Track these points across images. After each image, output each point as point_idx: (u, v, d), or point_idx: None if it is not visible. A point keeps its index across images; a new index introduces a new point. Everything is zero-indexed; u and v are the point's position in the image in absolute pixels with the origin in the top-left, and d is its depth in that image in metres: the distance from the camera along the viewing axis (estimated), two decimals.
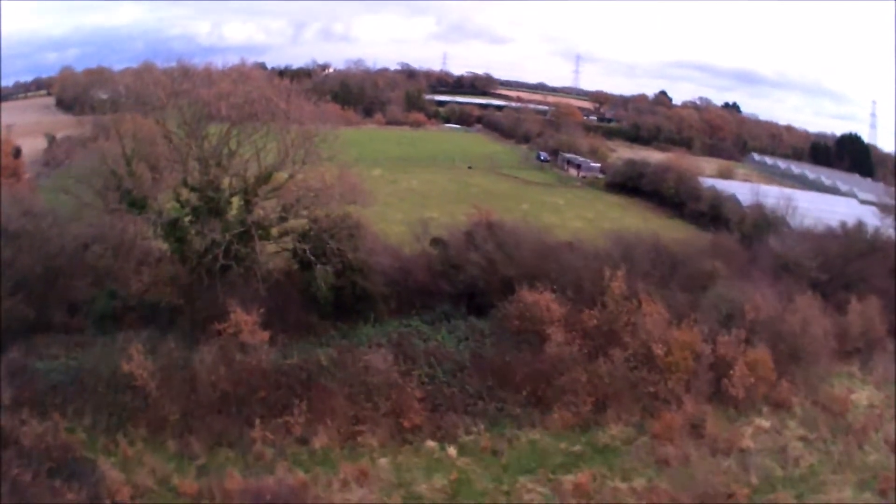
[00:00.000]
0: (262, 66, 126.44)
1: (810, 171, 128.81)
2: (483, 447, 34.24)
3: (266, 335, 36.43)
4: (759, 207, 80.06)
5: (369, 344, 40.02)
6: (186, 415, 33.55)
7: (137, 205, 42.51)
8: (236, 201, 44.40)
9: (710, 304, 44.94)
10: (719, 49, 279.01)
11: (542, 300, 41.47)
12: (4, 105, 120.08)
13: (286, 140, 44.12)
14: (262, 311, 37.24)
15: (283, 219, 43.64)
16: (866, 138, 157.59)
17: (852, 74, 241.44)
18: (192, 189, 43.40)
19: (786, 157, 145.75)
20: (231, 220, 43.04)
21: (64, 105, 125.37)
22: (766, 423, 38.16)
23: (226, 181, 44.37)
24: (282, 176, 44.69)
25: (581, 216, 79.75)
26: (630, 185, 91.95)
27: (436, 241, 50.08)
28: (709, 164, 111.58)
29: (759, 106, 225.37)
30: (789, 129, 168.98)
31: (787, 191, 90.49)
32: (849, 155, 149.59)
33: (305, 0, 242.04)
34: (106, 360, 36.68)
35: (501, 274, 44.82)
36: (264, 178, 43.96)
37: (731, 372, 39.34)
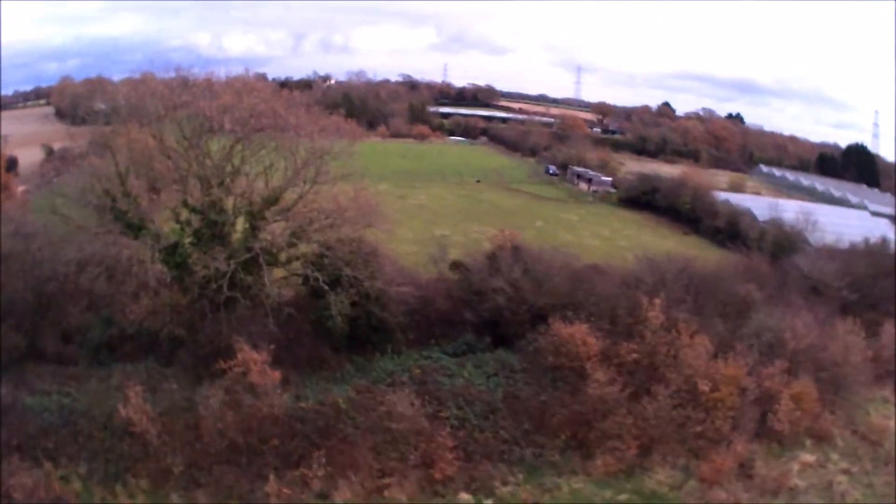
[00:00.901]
0: (264, 77, 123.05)
1: (819, 183, 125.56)
2: (523, 499, 30.54)
3: (277, 375, 32.52)
4: (778, 223, 77.06)
5: (390, 381, 36.28)
6: (191, 465, 29.67)
7: (133, 227, 38.65)
8: (241, 223, 40.66)
9: (750, 332, 41.57)
10: (719, 59, 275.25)
11: (578, 333, 37.66)
12: (4, 114, 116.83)
13: (296, 157, 40.37)
14: (272, 347, 33.44)
15: (292, 244, 39.71)
16: (868, 148, 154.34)
17: (852, 83, 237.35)
18: (193, 210, 39.65)
19: (792, 168, 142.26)
20: (235, 244, 39.26)
21: (62, 115, 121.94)
22: (810, 458, 35.77)
23: (230, 202, 40.59)
24: (291, 196, 40.88)
25: (597, 234, 76.17)
26: (644, 200, 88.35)
27: (456, 266, 46.28)
28: (718, 177, 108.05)
29: (759, 115, 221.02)
30: (793, 139, 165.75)
31: (807, 205, 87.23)
32: (854, 166, 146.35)
33: (305, 11, 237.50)
34: (101, 400, 33.15)
35: (530, 303, 41.07)
36: (272, 198, 40.08)
37: (776, 406, 36.81)
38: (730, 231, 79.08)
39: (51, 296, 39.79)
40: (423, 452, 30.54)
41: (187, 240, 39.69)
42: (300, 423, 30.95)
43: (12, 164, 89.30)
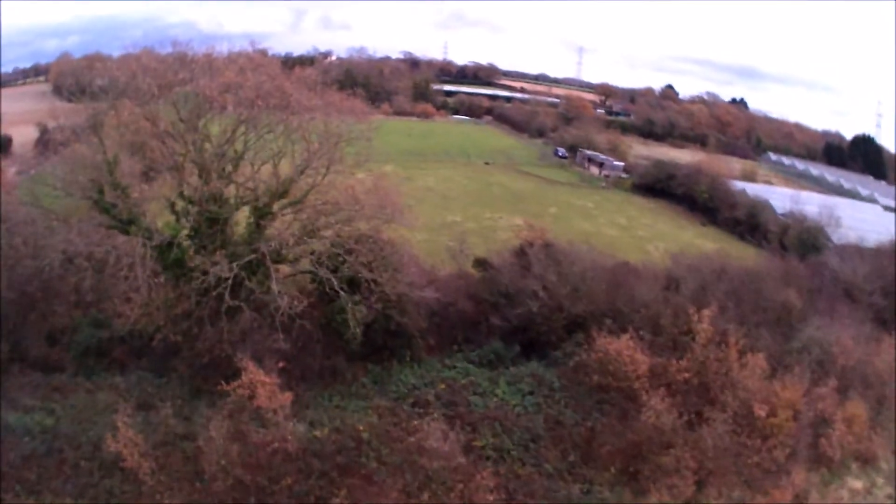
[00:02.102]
0: (264, 53, 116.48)
1: (828, 174, 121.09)
2: None
3: (288, 398, 27.66)
4: (798, 217, 72.63)
5: (413, 400, 31.58)
6: None
7: (122, 222, 33.57)
8: (244, 217, 35.63)
9: (799, 347, 37.41)
10: (719, 43, 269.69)
11: (625, 348, 32.93)
12: (4, 91, 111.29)
13: (308, 141, 35.19)
14: (281, 365, 28.72)
15: (302, 241, 34.70)
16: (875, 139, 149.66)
17: (852, 70, 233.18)
18: (190, 202, 34.57)
19: (800, 156, 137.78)
20: (238, 241, 34.26)
21: (60, 92, 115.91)
22: (858, 484, 32.54)
23: (231, 191, 35.57)
24: (301, 186, 35.76)
25: (614, 222, 71.45)
26: (658, 187, 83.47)
27: (481, 263, 41.35)
28: (732, 164, 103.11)
29: (758, 100, 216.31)
30: (798, 126, 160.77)
31: (828, 199, 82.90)
32: (861, 156, 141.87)
33: None
34: (88, 420, 28.81)
35: (566, 309, 36.36)
36: (281, 190, 34.98)
37: (830, 431, 32.98)
38: (749, 223, 74.80)
39: (35, 293, 35.05)
40: (461, 494, 25.61)
41: (184, 232, 34.66)
42: (317, 459, 25.90)
43: (5, 143, 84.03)
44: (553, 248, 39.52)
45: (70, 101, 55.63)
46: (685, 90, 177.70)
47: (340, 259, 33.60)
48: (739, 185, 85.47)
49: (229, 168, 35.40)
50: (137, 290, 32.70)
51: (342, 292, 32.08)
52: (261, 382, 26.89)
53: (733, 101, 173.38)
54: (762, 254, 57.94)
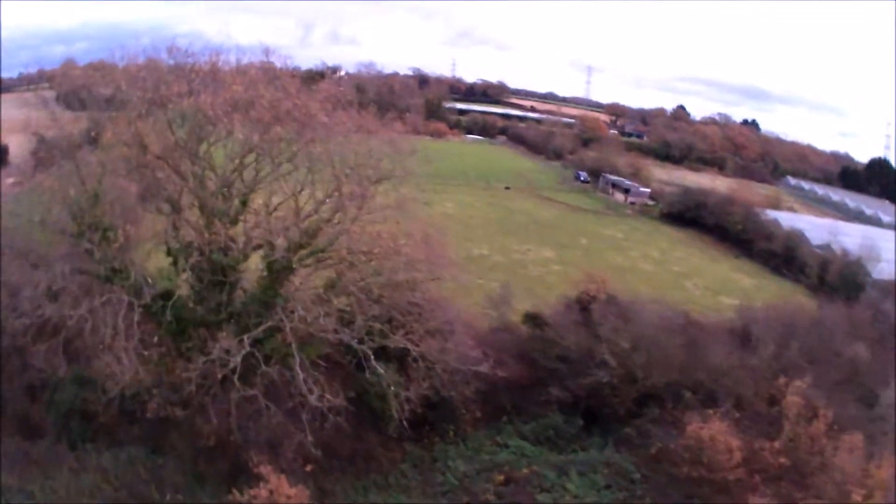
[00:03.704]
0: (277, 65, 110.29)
1: (849, 199, 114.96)
2: None
3: None
4: (831, 250, 66.65)
5: (468, 498, 25.12)
6: None
7: (105, 270, 27.09)
8: (254, 265, 29.10)
9: (881, 414, 32.10)
10: (726, 64, 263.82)
11: (718, 433, 26.65)
12: (5, 97, 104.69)
13: (340, 176, 28.58)
14: (309, 469, 22.34)
15: (327, 299, 28.04)
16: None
17: (859, 91, 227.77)
18: (189, 246, 28.16)
19: (816, 180, 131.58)
20: (248, 298, 27.65)
21: (63, 100, 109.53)
22: None
23: (240, 229, 29.12)
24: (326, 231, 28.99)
25: (647, 255, 65.02)
26: (688, 216, 77.12)
27: (532, 319, 34.82)
28: (756, 190, 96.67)
29: (766, 121, 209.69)
30: (811, 148, 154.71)
31: (869, 230, 76.73)
32: (877, 180, 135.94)
33: (314, 0, 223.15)
34: None
35: (639, 379, 30.06)
36: (308, 236, 28.32)
37: None
38: (785, 256, 68.60)
39: (14, 335, 28.60)
40: None
41: (182, 276, 28.14)
42: None
43: (3, 152, 78.05)
44: (616, 304, 33.09)
45: (70, 109, 48.98)
46: (693, 111, 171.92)
47: (376, 323, 27.13)
48: (771, 213, 79.36)
49: (237, 205, 29.02)
50: (128, 343, 26.24)
51: (380, 368, 25.55)
52: (286, 497, 20.34)
53: (745, 122, 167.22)
54: (799, 289, 54.66)
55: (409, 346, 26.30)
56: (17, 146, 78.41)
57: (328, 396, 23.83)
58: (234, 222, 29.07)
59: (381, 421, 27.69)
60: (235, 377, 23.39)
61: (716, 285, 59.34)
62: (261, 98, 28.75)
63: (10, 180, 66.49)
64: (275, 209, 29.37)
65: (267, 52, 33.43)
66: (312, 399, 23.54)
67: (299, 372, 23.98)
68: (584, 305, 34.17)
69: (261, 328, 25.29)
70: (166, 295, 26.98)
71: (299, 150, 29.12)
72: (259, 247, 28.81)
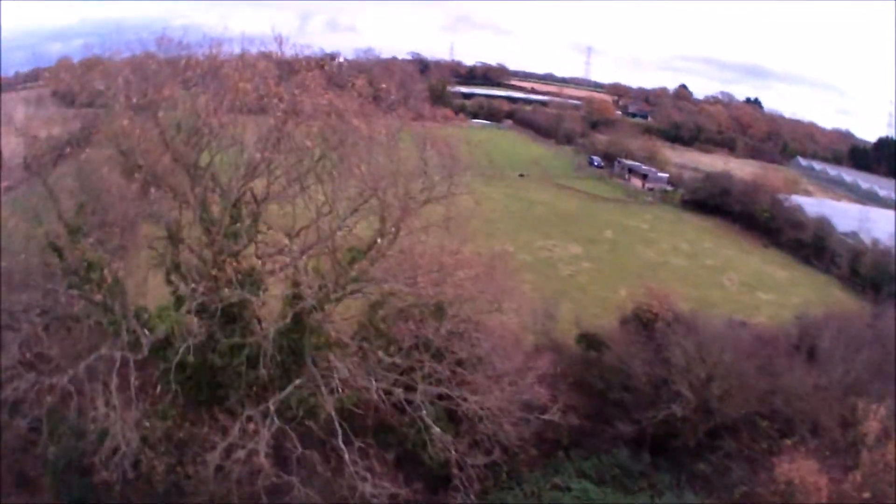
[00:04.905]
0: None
1: (861, 180, 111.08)
2: None
3: None
4: (860, 239, 63.45)
5: None
6: None
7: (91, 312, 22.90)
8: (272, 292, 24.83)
9: None
10: (725, 42, 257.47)
11: (807, 472, 23.10)
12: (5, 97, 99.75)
13: (381, 194, 24.51)
14: None
15: (364, 338, 24.00)
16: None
17: (859, 68, 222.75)
18: (194, 277, 24.01)
19: (825, 160, 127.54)
20: (267, 339, 23.13)
21: (58, 98, 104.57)
22: None
23: (251, 251, 24.93)
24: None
25: (676, 248, 61.32)
26: (712, 203, 73.17)
27: (588, 340, 30.98)
28: (776, 173, 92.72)
29: (767, 99, 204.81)
30: (815, 127, 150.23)
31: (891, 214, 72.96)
32: (885, 159, 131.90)
33: None
34: None
35: (714, 410, 26.36)
36: (343, 280, 23.98)
37: None
38: (815, 245, 65.02)
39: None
40: None
41: (186, 316, 23.62)
42: None
43: None
44: (685, 323, 29.19)
45: (65, 106, 45.19)
46: (694, 89, 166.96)
47: (422, 369, 23.13)
48: (797, 200, 75.65)
49: (248, 225, 24.83)
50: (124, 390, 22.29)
51: (442, 432, 21.64)
52: None
53: (748, 100, 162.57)
54: (832, 281, 54.89)
55: (477, 408, 22.29)
56: (9, 146, 74.16)
57: (385, 484, 19.73)
58: (247, 245, 25.05)
59: (423, 466, 24.04)
60: (262, 457, 19.24)
61: (751, 280, 55.87)
62: (274, 97, 24.54)
63: (5, 184, 62.14)
64: (297, 233, 25.32)
65: (279, 40, 27.21)
66: (365, 489, 19.48)
67: (344, 450, 19.84)
68: (644, 323, 30.28)
69: (286, 390, 21.04)
70: (168, 341, 22.87)
71: (324, 159, 25.11)
72: (273, 272, 24.85)
